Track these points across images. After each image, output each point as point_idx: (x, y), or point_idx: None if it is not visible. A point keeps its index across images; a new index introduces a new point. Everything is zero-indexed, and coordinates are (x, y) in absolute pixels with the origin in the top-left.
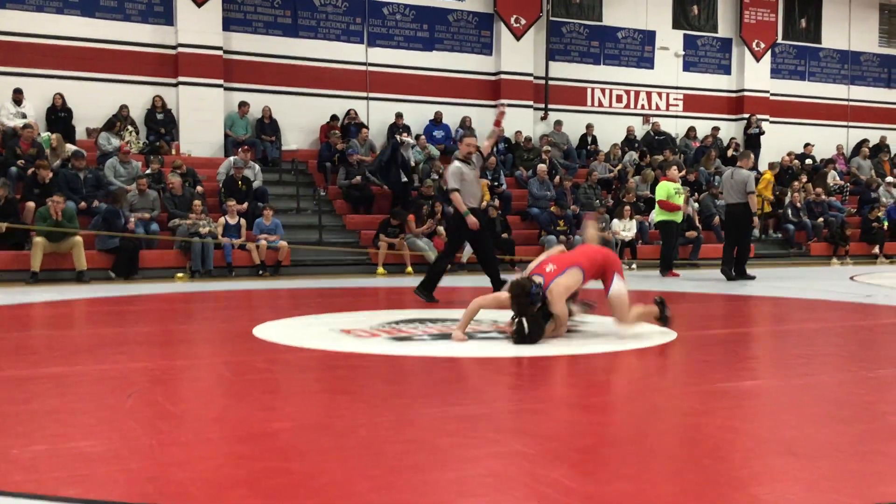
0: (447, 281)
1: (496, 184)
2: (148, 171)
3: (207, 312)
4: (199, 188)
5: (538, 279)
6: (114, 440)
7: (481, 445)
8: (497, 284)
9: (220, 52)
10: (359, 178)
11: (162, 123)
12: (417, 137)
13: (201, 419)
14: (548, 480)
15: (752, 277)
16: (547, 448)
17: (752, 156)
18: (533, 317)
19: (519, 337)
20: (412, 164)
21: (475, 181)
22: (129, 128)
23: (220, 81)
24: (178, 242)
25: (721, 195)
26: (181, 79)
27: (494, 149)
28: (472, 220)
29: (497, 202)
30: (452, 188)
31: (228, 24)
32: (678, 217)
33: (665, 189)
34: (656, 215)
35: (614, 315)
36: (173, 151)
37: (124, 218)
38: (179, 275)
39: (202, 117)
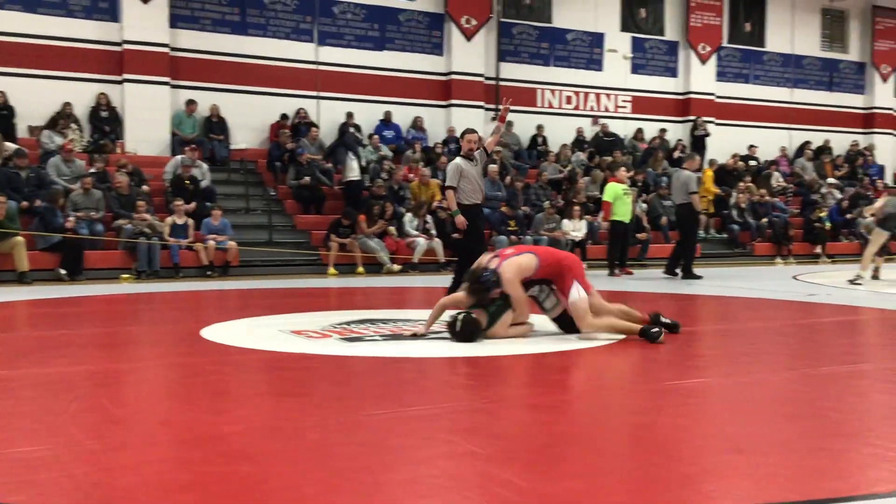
0: (399, 281)
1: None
2: (92, 170)
3: (154, 314)
4: (144, 187)
5: (493, 262)
6: (57, 445)
7: (433, 446)
8: (457, 286)
9: (166, 50)
10: (308, 178)
11: (106, 121)
12: (370, 137)
13: (147, 423)
14: (500, 480)
15: (699, 277)
16: (499, 448)
17: (698, 157)
18: (466, 315)
19: (451, 332)
20: (363, 161)
21: (478, 177)
22: (73, 126)
23: (167, 79)
24: (122, 243)
25: (670, 195)
26: (126, 76)
27: (446, 149)
28: (460, 220)
29: (442, 206)
30: (448, 185)
31: (175, 21)
32: (626, 218)
33: (613, 190)
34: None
35: (576, 321)
36: (118, 150)
37: (62, 216)
38: (125, 276)
39: (148, 115)
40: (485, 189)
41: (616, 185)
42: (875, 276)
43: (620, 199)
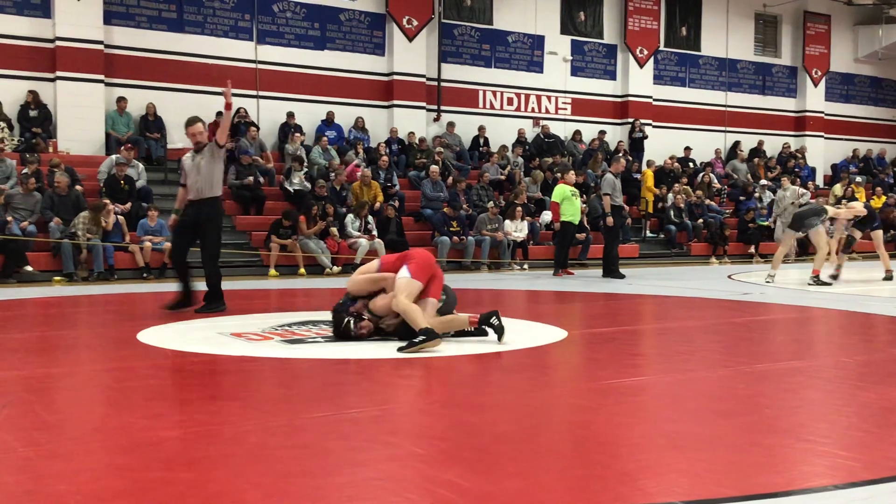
0: (341, 283)
1: (389, 185)
2: (25, 171)
3: (89, 317)
4: (78, 187)
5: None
6: None
7: (375, 448)
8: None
9: (100, 47)
10: (251, 178)
11: (35, 121)
12: (319, 140)
13: (82, 429)
14: (442, 481)
15: (622, 276)
16: (440, 448)
17: (623, 161)
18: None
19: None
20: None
21: (195, 170)
22: (2, 124)
23: (101, 77)
24: (53, 244)
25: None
26: (59, 74)
27: (387, 149)
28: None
29: (393, 204)
30: (182, 182)
31: (110, 18)
32: (576, 218)
33: (561, 191)
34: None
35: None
36: (50, 149)
37: (2, 217)
38: (57, 278)
39: (81, 114)
40: (206, 183)
41: (564, 186)
42: (836, 276)
43: (568, 199)
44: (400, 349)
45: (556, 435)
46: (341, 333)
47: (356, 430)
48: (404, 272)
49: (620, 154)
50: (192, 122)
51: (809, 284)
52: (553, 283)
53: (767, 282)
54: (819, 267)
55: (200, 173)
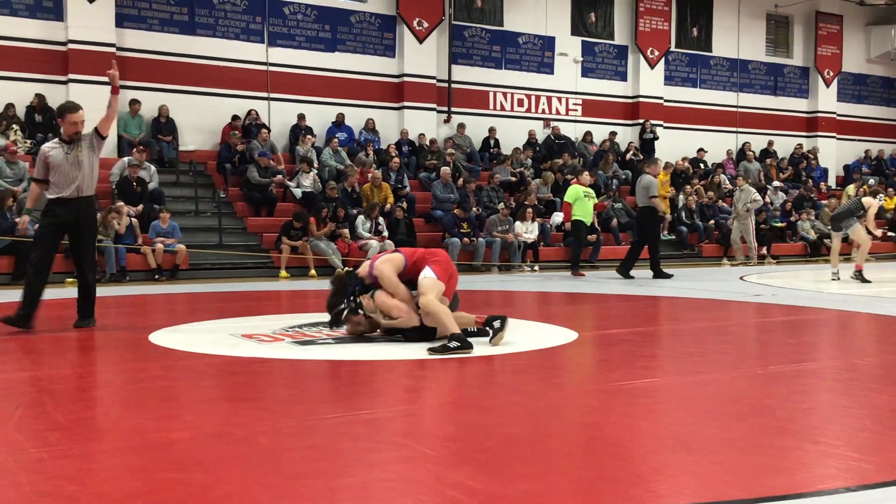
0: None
1: (400, 186)
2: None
3: (101, 319)
4: None
5: (364, 267)
6: (1, 453)
7: (385, 449)
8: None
9: (112, 49)
10: (280, 176)
11: (41, 127)
12: (329, 141)
13: (94, 430)
14: (452, 482)
15: (670, 276)
16: (451, 450)
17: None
18: (338, 311)
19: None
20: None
21: (71, 167)
22: (15, 126)
23: None
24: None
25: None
26: (72, 76)
27: (398, 151)
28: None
29: (401, 205)
30: (34, 177)
31: (121, 21)
32: (588, 219)
33: (574, 192)
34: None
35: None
36: None
37: (10, 219)
38: (70, 280)
39: (94, 116)
40: (88, 179)
41: (578, 186)
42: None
43: (581, 200)
44: (430, 350)
45: (567, 436)
46: (334, 318)
47: (367, 431)
48: (429, 273)
49: (630, 153)
50: (74, 108)
51: (852, 278)
52: (563, 285)
53: (833, 279)
54: (861, 262)
55: (82, 168)
